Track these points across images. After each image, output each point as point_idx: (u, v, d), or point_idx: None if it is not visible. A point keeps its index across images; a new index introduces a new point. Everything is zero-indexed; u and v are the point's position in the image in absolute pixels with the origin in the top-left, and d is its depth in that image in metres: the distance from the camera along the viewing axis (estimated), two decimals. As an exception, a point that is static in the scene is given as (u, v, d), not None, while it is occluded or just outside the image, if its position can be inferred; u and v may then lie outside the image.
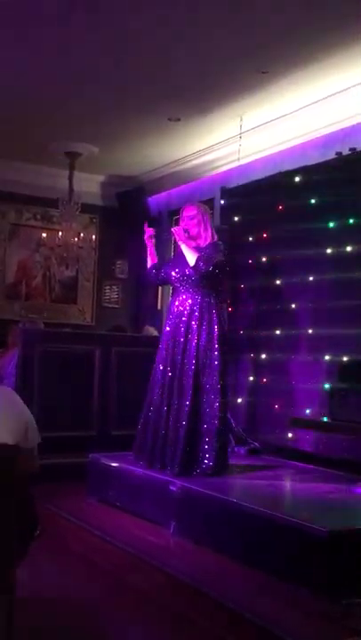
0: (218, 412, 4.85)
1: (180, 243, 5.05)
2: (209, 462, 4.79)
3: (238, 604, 3.29)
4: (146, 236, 5.30)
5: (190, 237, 5.04)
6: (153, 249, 5.35)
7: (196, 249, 4.99)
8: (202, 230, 5.06)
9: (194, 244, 5.02)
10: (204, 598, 3.42)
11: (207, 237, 5.05)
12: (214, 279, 5.00)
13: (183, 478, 4.62)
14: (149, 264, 5.34)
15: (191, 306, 4.96)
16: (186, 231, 5.03)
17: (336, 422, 5.27)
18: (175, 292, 5.18)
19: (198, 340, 4.91)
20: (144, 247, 5.36)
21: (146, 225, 5.37)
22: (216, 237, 5.10)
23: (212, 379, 4.87)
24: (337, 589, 3.30)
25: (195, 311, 4.94)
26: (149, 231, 5.31)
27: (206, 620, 3.28)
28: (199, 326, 4.92)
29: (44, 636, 3.10)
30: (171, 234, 5.14)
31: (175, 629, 3.23)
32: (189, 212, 5.12)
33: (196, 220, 5.07)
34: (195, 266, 4.94)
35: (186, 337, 4.93)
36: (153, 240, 5.35)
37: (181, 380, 4.90)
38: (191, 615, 3.34)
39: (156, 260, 5.35)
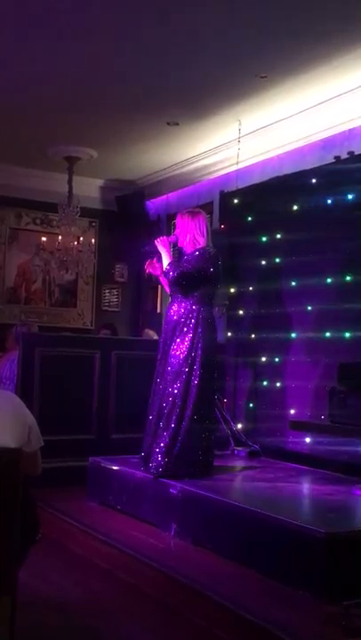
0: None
1: (160, 250, 5.09)
2: (154, 463, 4.81)
3: (238, 605, 3.30)
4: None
5: (180, 245, 5.09)
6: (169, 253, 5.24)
7: (179, 256, 5.05)
8: (183, 238, 5.08)
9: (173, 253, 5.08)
10: (204, 600, 3.44)
11: (188, 245, 5.06)
12: (193, 285, 4.97)
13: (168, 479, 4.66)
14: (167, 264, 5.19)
15: (181, 313, 4.99)
16: (175, 241, 5.11)
17: (335, 424, 5.29)
18: (170, 299, 5.22)
19: (172, 349, 4.93)
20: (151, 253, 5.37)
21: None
22: (202, 244, 5.05)
23: (193, 385, 4.88)
24: (336, 591, 3.31)
25: (184, 318, 4.96)
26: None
27: (206, 621, 3.29)
28: (185, 333, 4.92)
29: (44, 637, 3.11)
30: (153, 246, 5.17)
31: (175, 630, 3.24)
32: (177, 221, 5.18)
33: (178, 230, 5.13)
34: (165, 272, 5.00)
35: (172, 343, 4.96)
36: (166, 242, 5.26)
37: (165, 387, 4.94)
38: (191, 616, 3.36)
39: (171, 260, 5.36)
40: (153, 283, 5.23)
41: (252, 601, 3.38)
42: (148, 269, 5.29)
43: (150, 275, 5.43)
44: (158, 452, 4.83)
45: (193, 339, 4.92)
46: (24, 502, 2.82)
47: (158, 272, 5.20)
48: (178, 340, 4.94)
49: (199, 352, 4.90)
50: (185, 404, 4.87)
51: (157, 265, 5.20)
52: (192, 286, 4.98)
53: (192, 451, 4.87)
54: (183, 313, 4.98)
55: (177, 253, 5.11)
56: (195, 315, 4.95)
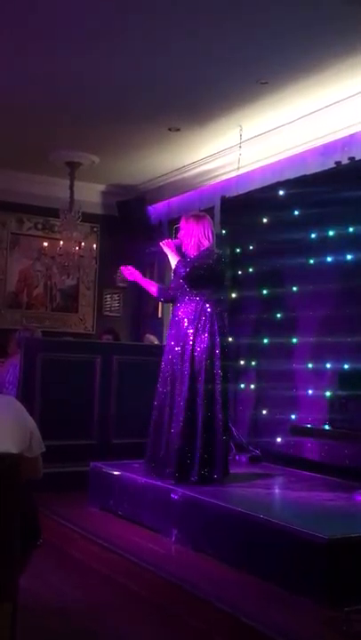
0: (221, 422, 4.87)
1: (166, 251, 5.11)
2: (195, 474, 4.79)
3: (239, 610, 3.30)
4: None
5: (184, 249, 5.10)
6: (143, 278, 5.43)
7: (183, 256, 5.06)
8: (187, 241, 5.10)
9: (178, 254, 5.10)
10: (205, 605, 3.44)
11: (192, 248, 5.07)
12: (204, 283, 4.99)
13: (183, 486, 4.64)
14: (153, 290, 5.38)
15: (188, 314, 4.98)
16: (179, 244, 5.14)
17: (335, 430, 5.29)
18: (176, 301, 5.19)
19: (194, 348, 4.90)
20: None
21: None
22: (207, 245, 5.07)
23: (210, 387, 4.88)
24: (337, 596, 3.31)
25: (192, 319, 4.94)
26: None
27: (207, 626, 3.29)
28: (196, 334, 4.91)
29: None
30: (159, 247, 5.20)
31: (175, 636, 3.24)
32: (180, 224, 5.20)
33: (182, 232, 5.14)
34: (175, 270, 5.01)
35: (183, 346, 4.95)
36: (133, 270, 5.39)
37: (181, 389, 4.91)
38: (191, 621, 3.36)
39: (155, 284, 5.45)
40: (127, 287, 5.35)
41: (252, 606, 3.39)
42: (125, 274, 5.37)
43: (125, 280, 5.46)
44: (183, 457, 4.79)
45: (211, 337, 4.89)
46: (25, 507, 2.82)
47: (137, 277, 5.32)
48: (195, 339, 4.90)
49: (217, 351, 4.88)
50: (209, 406, 4.84)
51: (135, 270, 5.30)
52: (201, 284, 4.98)
53: (220, 455, 4.88)
54: (195, 312, 4.95)
55: (182, 256, 5.12)
56: (208, 313, 4.93)
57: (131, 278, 5.42)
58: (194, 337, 4.91)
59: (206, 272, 4.97)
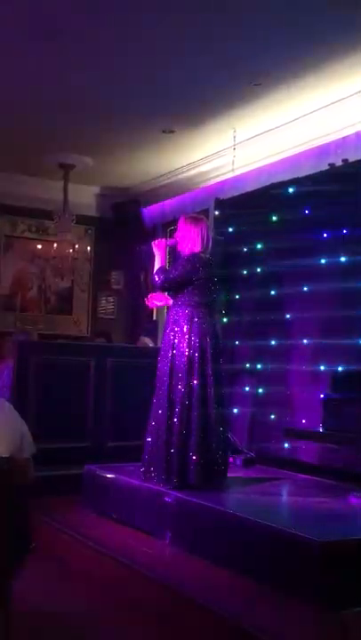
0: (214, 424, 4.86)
1: (155, 253, 5.12)
2: (191, 476, 4.76)
3: (234, 615, 3.29)
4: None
5: (179, 249, 5.10)
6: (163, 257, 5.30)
7: (173, 261, 5.07)
8: (184, 244, 5.08)
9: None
10: (199, 609, 3.42)
11: (185, 249, 5.05)
12: (185, 290, 4.94)
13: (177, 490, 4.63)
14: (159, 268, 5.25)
15: (175, 318, 4.98)
16: (174, 244, 5.13)
17: (329, 432, 5.28)
18: (172, 303, 5.20)
19: (178, 354, 4.90)
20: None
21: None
22: (197, 250, 5.01)
23: (202, 391, 4.87)
24: (331, 600, 3.29)
25: (182, 323, 4.94)
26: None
27: (201, 631, 3.27)
28: (181, 341, 4.90)
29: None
30: (150, 248, 5.21)
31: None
32: (179, 225, 5.19)
33: (179, 234, 5.12)
34: (152, 278, 5.02)
35: (175, 350, 4.94)
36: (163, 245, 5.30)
37: (174, 393, 4.89)
38: (185, 626, 3.34)
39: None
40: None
41: (246, 610, 3.37)
42: (151, 303, 5.48)
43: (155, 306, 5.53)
44: (180, 463, 4.76)
45: (190, 343, 4.89)
46: (17, 511, 2.81)
47: (162, 302, 5.38)
48: (179, 344, 4.91)
49: (208, 354, 4.87)
50: (202, 410, 4.82)
51: (159, 296, 5.35)
52: (178, 291, 4.98)
53: (218, 460, 4.86)
54: (179, 318, 4.96)
55: (172, 257, 5.13)
56: (187, 319, 4.92)
57: (155, 250, 5.20)
58: (185, 339, 4.91)
59: (185, 279, 4.94)
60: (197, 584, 3.70)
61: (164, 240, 5.24)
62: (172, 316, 5.04)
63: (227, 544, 4.02)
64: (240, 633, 3.16)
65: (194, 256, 5.00)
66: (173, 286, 4.99)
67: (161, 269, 5.04)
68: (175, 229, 5.24)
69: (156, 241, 5.21)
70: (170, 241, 5.23)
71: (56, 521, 4.92)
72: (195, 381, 4.85)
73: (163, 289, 5.08)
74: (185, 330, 4.92)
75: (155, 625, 3.37)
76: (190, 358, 4.87)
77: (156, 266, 5.09)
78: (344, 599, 3.29)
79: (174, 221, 5.34)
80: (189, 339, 4.90)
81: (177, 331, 4.95)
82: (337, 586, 3.37)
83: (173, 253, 5.16)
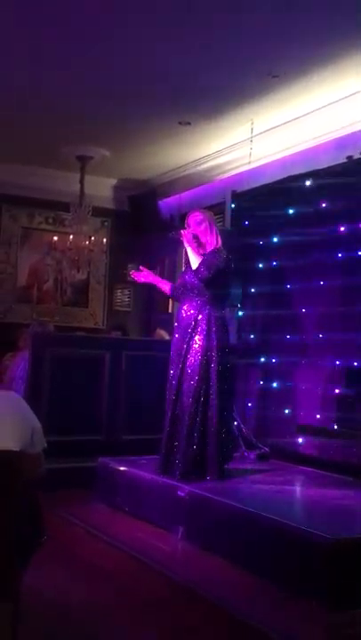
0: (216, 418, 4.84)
1: (187, 246, 5.06)
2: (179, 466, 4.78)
3: (242, 612, 3.28)
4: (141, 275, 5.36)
5: (200, 244, 5.05)
6: (156, 277, 5.49)
7: (205, 253, 5.01)
8: (208, 236, 5.07)
9: (202, 250, 5.04)
10: (207, 605, 3.41)
11: (212, 243, 5.06)
12: (215, 285, 5.00)
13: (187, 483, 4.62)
14: (166, 288, 5.36)
15: (194, 314, 4.97)
16: (195, 237, 5.05)
17: (341, 429, 5.24)
18: (181, 300, 5.18)
19: (189, 350, 4.91)
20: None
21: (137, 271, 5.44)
22: (220, 243, 5.08)
23: (212, 385, 4.85)
24: (341, 598, 3.27)
25: (196, 318, 4.95)
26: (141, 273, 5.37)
27: (209, 627, 3.26)
28: (199, 333, 4.91)
29: (47, 638, 3.09)
30: (179, 235, 5.11)
31: (177, 635, 3.20)
32: (197, 217, 5.14)
33: (203, 226, 5.09)
34: (196, 270, 4.96)
35: (188, 345, 4.92)
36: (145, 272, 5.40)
37: (188, 388, 4.88)
38: (194, 622, 3.32)
39: (168, 283, 5.43)
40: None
41: (256, 607, 3.35)
42: (136, 278, 5.40)
43: (134, 280, 5.47)
44: (183, 454, 4.79)
45: (207, 338, 4.88)
46: (29, 504, 2.80)
47: (149, 278, 5.36)
48: (192, 340, 4.91)
49: (214, 352, 4.88)
50: (206, 405, 4.83)
51: (146, 272, 5.33)
52: (213, 285, 4.98)
53: (214, 455, 4.86)
54: (195, 313, 4.95)
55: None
56: (206, 314, 4.93)
57: (142, 281, 5.46)
58: (194, 335, 4.90)
59: (220, 274, 4.96)
60: (207, 580, 3.70)
61: (190, 231, 5.14)
62: (183, 309, 5.03)
63: (238, 540, 4.01)
64: (247, 629, 3.14)
65: (221, 250, 5.02)
66: (215, 280, 4.95)
67: (205, 263, 4.95)
68: (187, 224, 5.19)
69: (185, 231, 5.11)
70: (191, 231, 5.14)
71: (69, 514, 4.93)
72: (197, 377, 4.84)
73: (208, 282, 4.96)
74: (194, 325, 4.91)
75: (160, 620, 3.35)
76: (205, 353, 4.86)
77: (194, 258, 5.01)
78: (356, 598, 3.26)
79: (190, 212, 5.28)
80: (198, 334, 4.89)
81: (186, 325, 4.94)
82: (349, 584, 3.35)
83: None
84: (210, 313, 4.95)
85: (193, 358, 4.90)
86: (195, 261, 5.00)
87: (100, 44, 5.44)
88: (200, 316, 4.94)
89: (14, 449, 2.70)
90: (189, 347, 4.92)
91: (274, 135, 6.96)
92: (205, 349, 4.88)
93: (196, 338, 4.91)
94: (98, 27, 5.17)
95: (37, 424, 2.92)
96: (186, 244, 5.07)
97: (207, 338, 4.90)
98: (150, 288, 9.29)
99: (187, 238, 5.04)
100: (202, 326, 4.92)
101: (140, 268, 5.41)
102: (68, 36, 5.32)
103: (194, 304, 4.99)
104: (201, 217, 5.13)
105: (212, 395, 4.85)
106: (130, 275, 5.15)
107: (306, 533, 3.54)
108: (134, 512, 4.92)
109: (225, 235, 5.55)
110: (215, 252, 5.03)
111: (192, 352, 4.91)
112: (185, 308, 5.05)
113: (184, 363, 4.92)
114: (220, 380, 4.88)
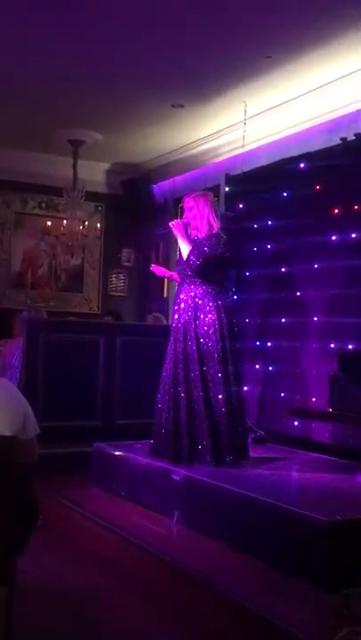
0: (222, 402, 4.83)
1: (177, 237, 5.03)
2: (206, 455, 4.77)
3: (238, 594, 3.29)
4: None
5: (193, 229, 5.02)
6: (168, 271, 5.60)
7: (194, 241, 4.97)
8: (198, 221, 5.02)
9: (193, 235, 5.01)
10: (205, 589, 3.42)
11: (203, 228, 5.00)
12: (212, 270, 4.95)
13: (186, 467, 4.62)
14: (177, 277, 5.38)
15: (192, 298, 4.94)
16: (186, 224, 5.03)
17: (335, 412, 5.24)
18: (179, 285, 5.16)
19: (197, 331, 4.89)
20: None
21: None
22: (216, 228, 5.03)
23: (213, 369, 4.84)
24: (338, 579, 3.27)
25: (196, 303, 4.92)
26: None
27: (206, 610, 3.27)
28: (199, 318, 4.89)
29: (43, 624, 3.09)
30: (169, 228, 5.11)
31: (175, 619, 3.21)
32: (186, 203, 5.11)
33: (193, 212, 5.05)
34: (187, 260, 4.93)
35: (187, 329, 4.90)
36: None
37: (188, 373, 4.87)
38: (191, 606, 3.33)
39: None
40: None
41: (252, 589, 3.37)
42: (155, 271, 5.52)
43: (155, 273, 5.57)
44: (202, 440, 4.77)
45: (217, 321, 4.87)
46: (22, 489, 2.79)
47: (165, 273, 5.54)
48: (200, 321, 4.89)
49: (225, 330, 4.88)
50: (216, 387, 4.83)
51: (160, 268, 5.54)
52: (211, 272, 4.94)
53: (238, 437, 4.88)
54: (200, 296, 4.92)
55: (190, 239, 5.05)
56: (211, 298, 4.90)
57: (160, 274, 5.63)
58: (198, 318, 4.88)
59: (216, 261, 4.92)
60: (203, 563, 3.70)
61: (179, 220, 5.12)
62: (183, 294, 5.01)
63: (234, 523, 4.01)
64: (243, 612, 3.15)
65: (219, 235, 4.97)
66: (209, 267, 4.91)
67: (194, 251, 4.92)
68: (183, 208, 5.16)
69: (174, 222, 5.11)
70: (182, 220, 5.13)
71: (64, 498, 4.94)
72: (206, 359, 4.83)
73: (200, 271, 4.93)
74: (194, 310, 4.89)
75: (157, 604, 3.36)
76: (204, 335, 4.85)
77: (184, 247, 4.98)
78: (351, 579, 3.26)
79: (184, 198, 5.24)
80: (204, 316, 4.87)
81: (187, 312, 4.92)
82: (344, 565, 3.35)
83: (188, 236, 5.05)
84: (210, 296, 4.92)
85: (203, 340, 4.86)
86: (185, 250, 4.97)
87: (91, 28, 5.38)
88: (206, 299, 4.91)
89: (6, 434, 2.70)
90: (196, 331, 4.88)
91: (267, 118, 6.92)
92: (217, 328, 4.85)
93: (204, 320, 4.88)
94: (85, 10, 5.11)
95: (30, 410, 2.91)
96: (176, 236, 5.04)
97: (216, 319, 4.87)
98: (145, 273, 9.33)
99: (177, 228, 5.01)
100: (209, 307, 4.89)
101: (157, 267, 5.60)
102: (60, 20, 5.26)
103: (199, 287, 4.96)
104: (190, 203, 5.08)
105: (225, 378, 4.83)
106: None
107: (302, 516, 3.54)
108: (130, 496, 4.93)
109: (225, 220, 5.54)
110: (206, 238, 4.98)
111: (200, 335, 4.87)
112: (186, 290, 5.00)
113: (190, 347, 4.88)
114: (232, 363, 4.88)
